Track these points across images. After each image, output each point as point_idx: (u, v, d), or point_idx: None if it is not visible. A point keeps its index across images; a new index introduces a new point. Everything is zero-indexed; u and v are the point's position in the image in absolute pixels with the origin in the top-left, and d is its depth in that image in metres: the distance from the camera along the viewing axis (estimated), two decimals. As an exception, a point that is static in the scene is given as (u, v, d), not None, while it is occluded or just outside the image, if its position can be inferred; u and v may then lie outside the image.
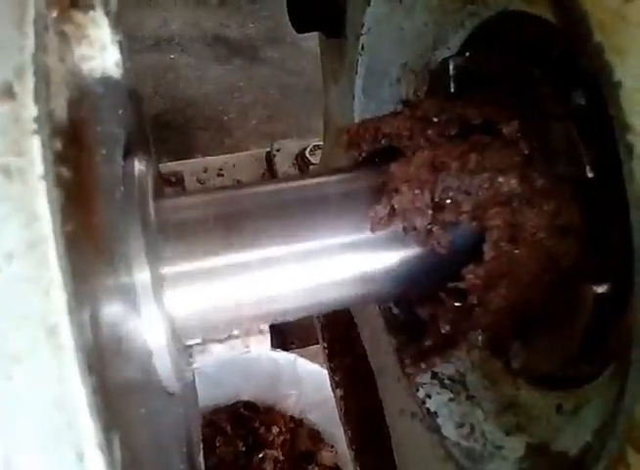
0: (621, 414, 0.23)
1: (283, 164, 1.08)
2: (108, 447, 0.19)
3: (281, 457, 1.42)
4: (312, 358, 1.38)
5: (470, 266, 0.32)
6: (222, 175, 1.05)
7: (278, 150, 1.08)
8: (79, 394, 0.18)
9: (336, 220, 0.35)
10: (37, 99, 0.20)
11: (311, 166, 1.04)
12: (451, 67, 0.42)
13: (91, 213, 0.23)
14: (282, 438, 1.43)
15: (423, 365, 0.36)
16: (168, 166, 1.07)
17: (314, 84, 2.41)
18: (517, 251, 0.32)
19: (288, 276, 0.34)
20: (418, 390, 0.50)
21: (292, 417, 1.45)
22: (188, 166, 1.07)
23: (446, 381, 0.49)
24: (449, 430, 0.45)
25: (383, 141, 0.38)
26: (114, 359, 0.23)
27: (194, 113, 2.46)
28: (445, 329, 0.35)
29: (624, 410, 0.23)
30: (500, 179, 0.32)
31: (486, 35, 0.41)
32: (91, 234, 0.23)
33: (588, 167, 0.29)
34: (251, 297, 0.34)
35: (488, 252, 0.32)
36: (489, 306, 0.33)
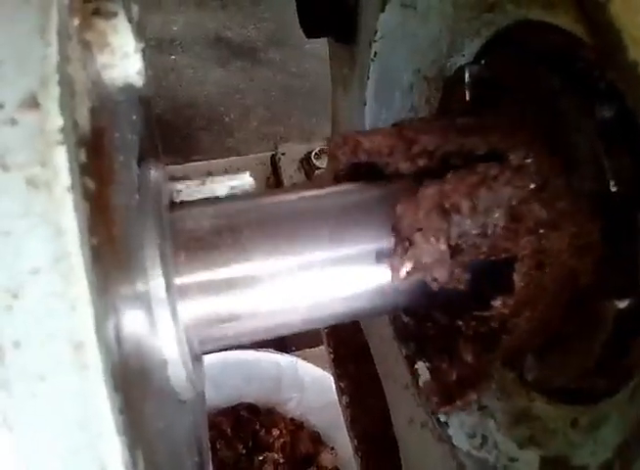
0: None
1: (288, 168, 1.07)
2: (133, 466, 0.19)
3: (281, 460, 1.42)
4: (313, 361, 1.38)
5: (499, 299, 0.32)
6: (227, 178, 1.04)
7: (283, 154, 1.08)
8: (105, 413, 0.18)
9: (352, 231, 0.35)
10: (62, 109, 0.19)
11: (317, 171, 1.03)
12: (467, 75, 0.42)
13: (113, 224, 0.23)
14: (282, 440, 1.43)
15: (459, 403, 0.35)
16: (172, 170, 1.07)
17: (317, 86, 2.41)
18: (544, 275, 0.31)
19: (305, 287, 0.34)
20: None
21: (292, 419, 1.45)
22: (192, 169, 1.07)
23: (456, 390, 0.49)
24: (461, 440, 0.45)
25: (361, 156, 0.37)
26: (135, 372, 0.23)
27: (195, 113, 2.46)
28: (468, 359, 0.34)
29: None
30: (517, 212, 0.31)
31: (503, 44, 0.41)
32: (113, 245, 0.23)
33: (612, 182, 0.29)
34: (266, 308, 0.34)
35: (519, 282, 0.31)
36: (514, 332, 0.32)
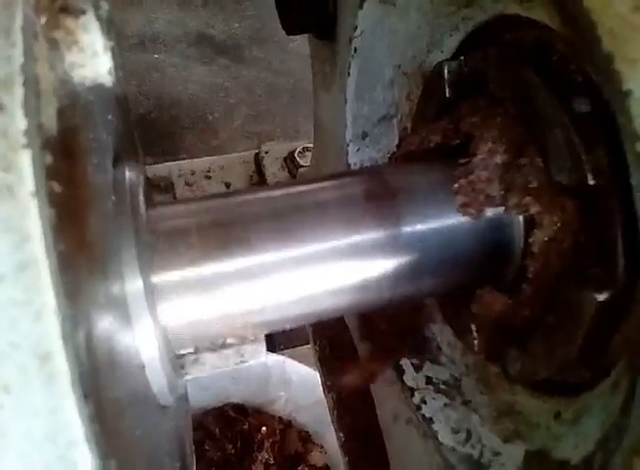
0: (630, 428, 0.23)
1: (271, 166, 1.07)
2: (105, 476, 0.18)
3: (271, 460, 1.42)
4: (301, 359, 1.37)
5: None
6: (210, 177, 1.03)
7: (267, 152, 1.07)
8: (75, 425, 0.17)
9: (330, 226, 0.35)
10: (27, 111, 0.19)
11: (300, 169, 1.03)
12: (445, 71, 0.42)
13: (84, 228, 0.22)
14: (271, 440, 1.42)
15: None
16: (155, 169, 1.05)
17: (300, 84, 2.40)
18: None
19: (284, 284, 0.34)
20: (413, 395, 0.49)
21: (281, 419, 1.44)
22: (175, 168, 1.05)
23: (441, 386, 0.49)
24: (445, 436, 0.45)
25: None
26: (108, 379, 0.22)
27: (179, 112, 2.44)
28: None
29: (633, 425, 0.23)
30: None
31: (482, 39, 0.41)
32: (84, 249, 0.22)
33: (590, 175, 0.29)
34: (245, 306, 0.34)
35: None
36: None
